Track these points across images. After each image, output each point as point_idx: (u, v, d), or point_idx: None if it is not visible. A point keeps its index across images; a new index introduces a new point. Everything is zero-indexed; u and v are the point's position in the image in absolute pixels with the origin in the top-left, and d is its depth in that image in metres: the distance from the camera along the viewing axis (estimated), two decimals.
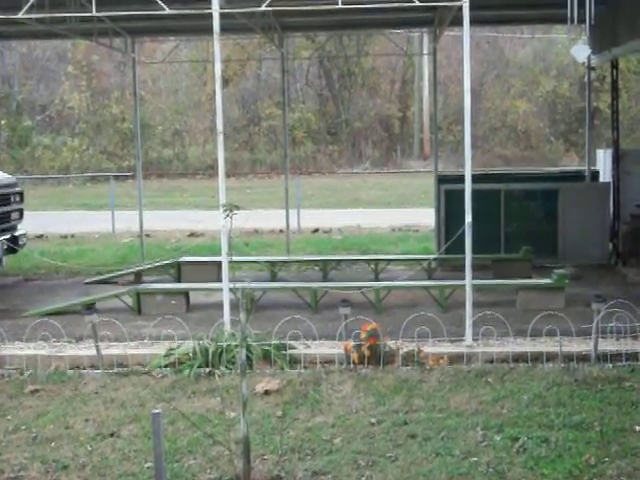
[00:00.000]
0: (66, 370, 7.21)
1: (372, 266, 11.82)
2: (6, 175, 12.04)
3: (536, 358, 7.09)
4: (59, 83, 36.19)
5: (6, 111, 35.33)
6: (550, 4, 11.05)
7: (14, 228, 11.52)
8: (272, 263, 11.93)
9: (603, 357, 7.06)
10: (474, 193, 7.81)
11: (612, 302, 7.50)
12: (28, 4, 8.44)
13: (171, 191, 28.05)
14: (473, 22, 7.84)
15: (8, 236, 11.08)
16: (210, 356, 7.01)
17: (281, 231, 15.55)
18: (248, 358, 6.75)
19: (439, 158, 14.52)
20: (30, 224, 12.89)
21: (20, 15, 8.58)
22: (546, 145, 35.77)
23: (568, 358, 7.04)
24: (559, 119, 35.96)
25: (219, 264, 9.18)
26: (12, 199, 11.43)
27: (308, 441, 5.42)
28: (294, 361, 7.23)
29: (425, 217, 16.23)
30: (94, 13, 8.44)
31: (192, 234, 16.73)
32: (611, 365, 6.89)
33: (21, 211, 11.79)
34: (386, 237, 15.97)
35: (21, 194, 11.80)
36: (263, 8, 8.48)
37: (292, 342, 7.53)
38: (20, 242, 11.44)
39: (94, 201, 23.99)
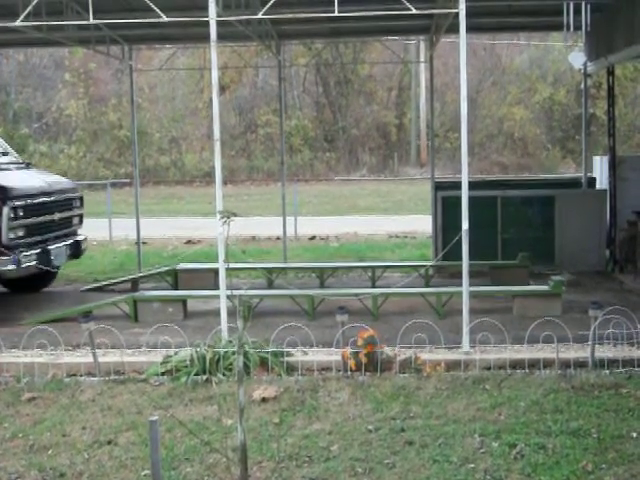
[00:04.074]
0: (63, 378, 7.20)
1: (369, 273, 11.82)
2: (68, 180, 12.06)
3: (533, 365, 7.10)
4: (56, 91, 36.24)
5: (3, 119, 35.35)
6: (546, 11, 11.09)
7: (75, 233, 11.52)
8: (269, 270, 11.91)
9: (600, 364, 7.06)
10: (471, 200, 7.83)
11: (609, 309, 7.50)
12: (25, 12, 8.45)
13: (168, 198, 28.08)
14: (469, 29, 7.86)
15: (71, 241, 11.09)
16: (207, 363, 7.00)
17: (278, 238, 15.55)
18: (245, 365, 6.76)
19: (436, 165, 14.52)
20: None
21: (17, 23, 8.60)
22: (543, 152, 35.86)
23: (565, 365, 7.05)
24: (556, 126, 36.06)
25: (216, 271, 9.16)
26: (74, 204, 11.41)
27: (305, 448, 5.41)
28: (291, 368, 7.22)
29: (422, 224, 16.24)
30: (91, 21, 8.45)
31: (189, 241, 16.74)
32: (608, 372, 6.89)
33: (81, 216, 11.74)
34: (383, 244, 15.98)
35: (81, 199, 11.77)
36: (260, 16, 8.50)
37: (289, 349, 7.53)
38: (82, 247, 11.45)
39: (91, 208, 23.79)
